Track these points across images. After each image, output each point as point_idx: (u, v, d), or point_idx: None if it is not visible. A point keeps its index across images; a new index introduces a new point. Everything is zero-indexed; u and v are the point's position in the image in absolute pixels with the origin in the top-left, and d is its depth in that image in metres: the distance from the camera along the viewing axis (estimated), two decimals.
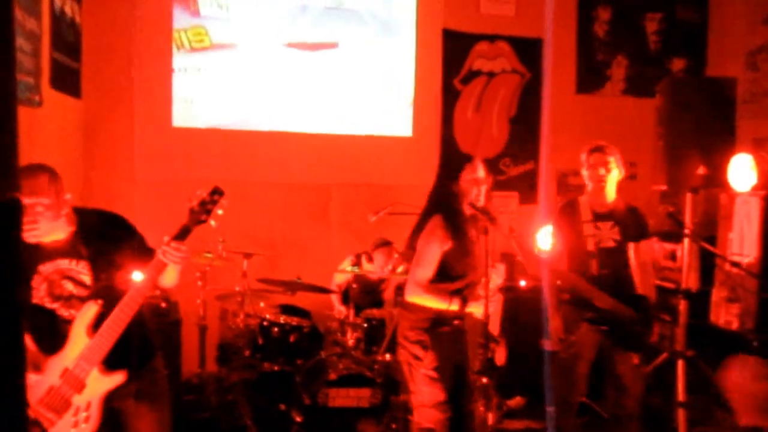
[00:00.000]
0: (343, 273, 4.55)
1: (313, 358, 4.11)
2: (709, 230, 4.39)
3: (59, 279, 2.44)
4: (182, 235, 2.43)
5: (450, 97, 5.52)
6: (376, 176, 5.32)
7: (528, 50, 5.63)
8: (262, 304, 4.42)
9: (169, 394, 2.70)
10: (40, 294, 2.44)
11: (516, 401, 4.62)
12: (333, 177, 5.31)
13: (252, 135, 5.18)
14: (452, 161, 3.49)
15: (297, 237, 5.21)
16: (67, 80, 4.44)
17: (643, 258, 3.69)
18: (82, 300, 2.43)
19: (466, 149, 5.51)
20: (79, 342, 2.42)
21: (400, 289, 4.02)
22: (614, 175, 3.63)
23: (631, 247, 3.66)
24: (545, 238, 3.79)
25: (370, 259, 4.59)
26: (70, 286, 2.45)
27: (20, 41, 3.53)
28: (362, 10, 5.31)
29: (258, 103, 5.18)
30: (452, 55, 5.48)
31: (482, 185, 3.08)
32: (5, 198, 1.02)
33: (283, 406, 3.98)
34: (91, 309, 2.42)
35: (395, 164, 5.36)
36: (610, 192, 3.67)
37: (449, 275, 3.05)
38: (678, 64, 5.89)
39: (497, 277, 3.16)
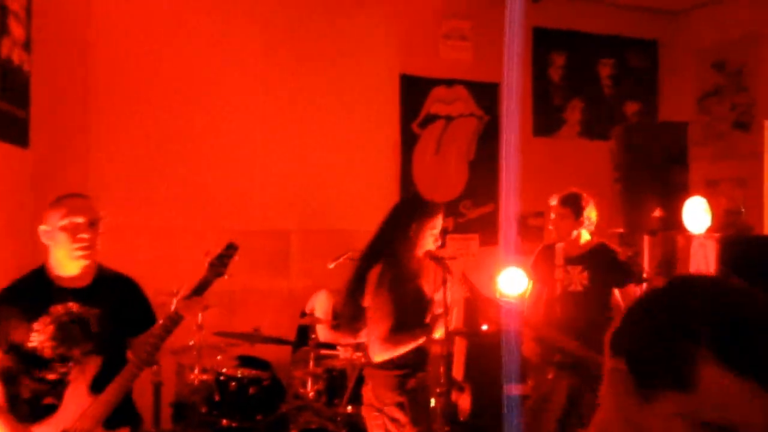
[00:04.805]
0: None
1: (274, 413, 3.98)
2: (669, 272, 4.42)
3: (68, 321, 2.38)
4: (202, 288, 2.50)
5: (408, 141, 5.53)
6: (335, 221, 5.26)
7: (485, 94, 5.69)
8: (219, 357, 4.28)
9: None
10: (41, 338, 2.35)
11: None
12: (292, 223, 5.24)
13: (206, 180, 5.09)
14: (414, 204, 3.39)
15: (255, 286, 5.09)
16: (13, 130, 4.31)
17: (628, 302, 3.70)
18: (84, 351, 2.37)
19: (426, 193, 5.50)
20: (77, 401, 2.33)
21: None
22: (582, 224, 3.68)
23: (616, 292, 3.68)
24: (511, 281, 3.79)
25: None
26: (76, 331, 2.38)
27: None
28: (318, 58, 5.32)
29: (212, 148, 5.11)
30: (410, 100, 5.51)
31: (442, 236, 3.05)
32: None
33: None
34: (92, 366, 2.36)
35: (355, 208, 5.31)
36: (583, 236, 3.71)
37: (405, 324, 2.98)
38: (631, 108, 6.01)
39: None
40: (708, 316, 0.78)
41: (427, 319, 3.01)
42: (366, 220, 5.15)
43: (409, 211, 3.06)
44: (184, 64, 5.07)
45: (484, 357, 4.70)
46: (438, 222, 3.03)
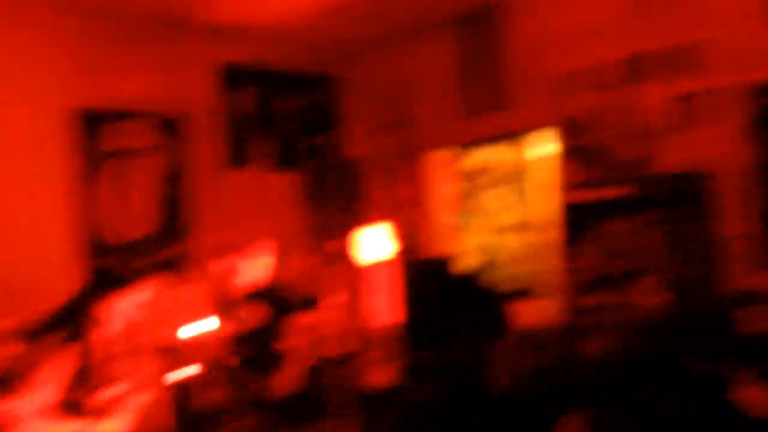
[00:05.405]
0: None
1: None
2: (351, 301, 4.69)
3: None
4: None
5: (88, 179, 5.11)
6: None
7: (174, 127, 5.54)
8: None
9: None
10: None
11: None
12: None
13: None
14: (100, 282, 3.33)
15: None
16: None
17: (304, 332, 3.83)
18: None
19: (111, 234, 5.15)
20: None
21: None
22: (259, 263, 3.79)
23: (293, 324, 3.80)
24: (196, 320, 3.74)
25: None
26: None
27: None
28: None
29: None
30: (89, 135, 5.11)
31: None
32: None
33: None
34: None
35: (26, 258, 4.75)
36: (260, 274, 3.80)
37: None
38: (317, 141, 6.31)
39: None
40: None
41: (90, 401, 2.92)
42: (38, 273, 4.66)
43: (94, 289, 3.02)
44: None
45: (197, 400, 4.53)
46: (131, 296, 2.97)
